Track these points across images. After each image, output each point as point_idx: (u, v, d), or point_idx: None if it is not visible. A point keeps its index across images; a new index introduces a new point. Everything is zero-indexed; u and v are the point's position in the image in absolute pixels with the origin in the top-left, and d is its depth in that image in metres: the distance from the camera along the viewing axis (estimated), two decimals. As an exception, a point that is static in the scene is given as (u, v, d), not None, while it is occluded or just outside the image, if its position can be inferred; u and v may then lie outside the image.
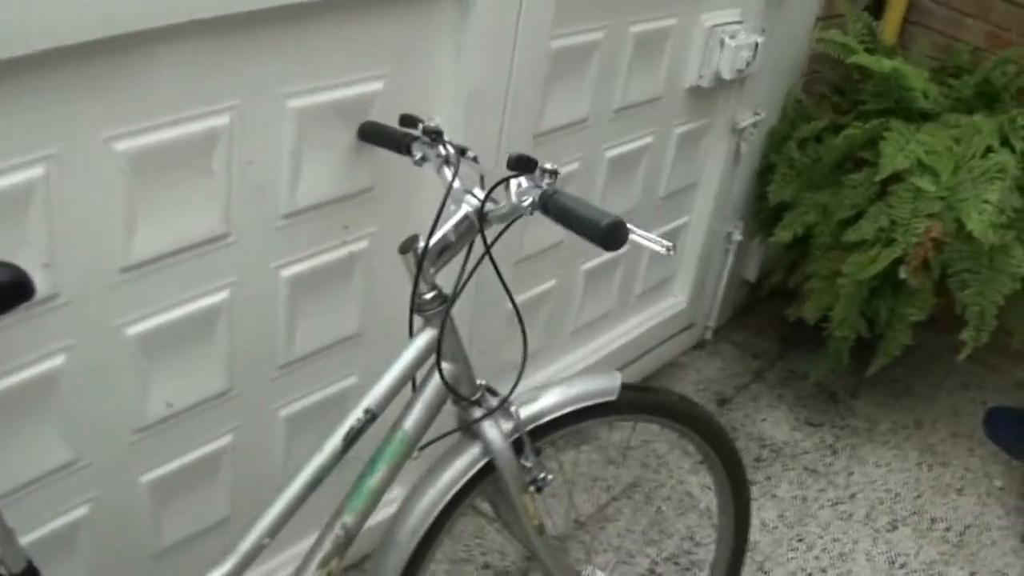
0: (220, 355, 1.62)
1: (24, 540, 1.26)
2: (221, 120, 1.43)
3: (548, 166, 1.19)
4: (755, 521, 2.39)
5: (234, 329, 1.62)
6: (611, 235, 1.08)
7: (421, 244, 1.30)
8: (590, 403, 1.51)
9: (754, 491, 2.52)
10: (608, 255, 2.49)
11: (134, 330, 1.47)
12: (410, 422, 1.37)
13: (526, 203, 1.19)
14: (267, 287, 1.65)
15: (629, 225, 1.11)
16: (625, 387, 1.54)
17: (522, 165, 1.18)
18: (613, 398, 1.53)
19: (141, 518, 1.63)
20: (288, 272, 1.66)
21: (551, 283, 2.41)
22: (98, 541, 1.56)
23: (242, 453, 1.75)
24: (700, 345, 3.15)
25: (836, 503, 2.58)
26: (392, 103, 1.65)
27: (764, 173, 2.86)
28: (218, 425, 1.69)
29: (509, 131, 1.91)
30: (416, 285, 1.32)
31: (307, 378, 1.81)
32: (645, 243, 1.11)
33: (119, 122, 1.32)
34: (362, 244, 1.77)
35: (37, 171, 1.25)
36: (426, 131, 1.43)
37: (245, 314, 1.62)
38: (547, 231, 2.13)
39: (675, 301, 2.96)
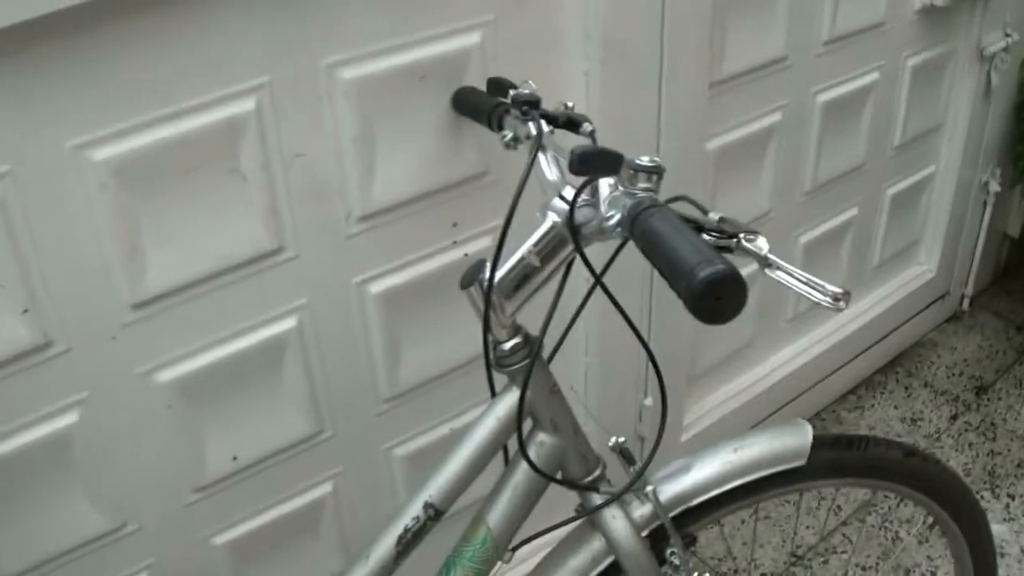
0: (295, 393, 1.29)
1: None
2: (244, 106, 1.08)
3: (643, 161, 0.74)
4: (1013, 549, 1.90)
5: (310, 361, 1.28)
6: (706, 295, 0.60)
7: (487, 273, 0.89)
8: (765, 473, 1.06)
9: (1015, 508, 2.00)
10: (840, 215, 2.00)
11: (164, 377, 1.16)
12: (496, 516, 0.97)
13: (612, 219, 0.76)
14: (349, 308, 1.29)
15: (775, 261, 0.65)
16: (817, 444, 1.08)
17: (594, 164, 0.74)
18: (801, 463, 1.07)
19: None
20: (378, 287, 1.30)
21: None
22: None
23: (347, 503, 1.43)
24: (955, 317, 2.59)
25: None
26: (497, 61, 1.25)
27: (1022, 109, 2.29)
28: (305, 476, 1.37)
29: (671, 85, 1.45)
30: (486, 330, 0.92)
31: (425, 410, 1.46)
32: (799, 289, 0.65)
33: (92, 124, 0.99)
34: (482, 242, 1.39)
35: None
36: (516, 101, 1.02)
37: (323, 342, 1.28)
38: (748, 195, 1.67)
39: (922, 269, 2.43)
